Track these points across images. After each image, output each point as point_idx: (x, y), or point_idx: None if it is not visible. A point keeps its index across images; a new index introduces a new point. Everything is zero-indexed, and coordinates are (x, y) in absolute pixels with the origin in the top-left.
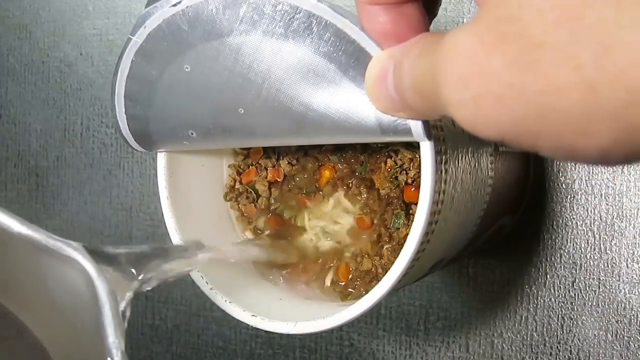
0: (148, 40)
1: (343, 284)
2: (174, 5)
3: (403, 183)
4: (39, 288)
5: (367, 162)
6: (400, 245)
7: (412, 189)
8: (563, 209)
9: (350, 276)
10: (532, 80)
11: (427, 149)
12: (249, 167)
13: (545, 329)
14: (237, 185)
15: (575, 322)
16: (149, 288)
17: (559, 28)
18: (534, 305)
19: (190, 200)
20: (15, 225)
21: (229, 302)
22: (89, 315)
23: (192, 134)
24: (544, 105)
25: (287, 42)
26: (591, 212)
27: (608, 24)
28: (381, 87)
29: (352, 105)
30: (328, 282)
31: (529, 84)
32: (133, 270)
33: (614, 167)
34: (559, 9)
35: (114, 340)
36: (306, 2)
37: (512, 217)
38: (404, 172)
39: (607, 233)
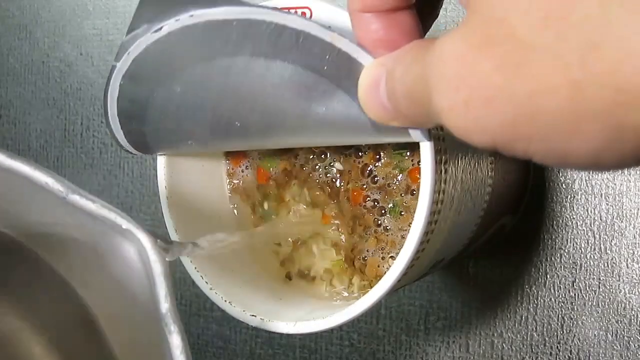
0: (133, 64)
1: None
2: (156, 31)
3: (409, 166)
4: (90, 254)
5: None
6: (400, 244)
7: (418, 176)
8: (563, 209)
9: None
10: (520, 82)
11: (427, 149)
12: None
13: (545, 329)
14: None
15: (575, 322)
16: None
17: (545, 28)
18: (534, 305)
19: (190, 200)
20: (67, 192)
21: (229, 302)
22: (141, 284)
23: (191, 143)
24: (534, 107)
25: (276, 61)
26: (591, 212)
27: (593, 21)
28: (373, 96)
29: (348, 113)
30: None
31: (517, 86)
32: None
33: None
34: (544, 9)
35: (168, 311)
36: (292, 21)
37: (513, 217)
38: (410, 159)
39: (607, 233)
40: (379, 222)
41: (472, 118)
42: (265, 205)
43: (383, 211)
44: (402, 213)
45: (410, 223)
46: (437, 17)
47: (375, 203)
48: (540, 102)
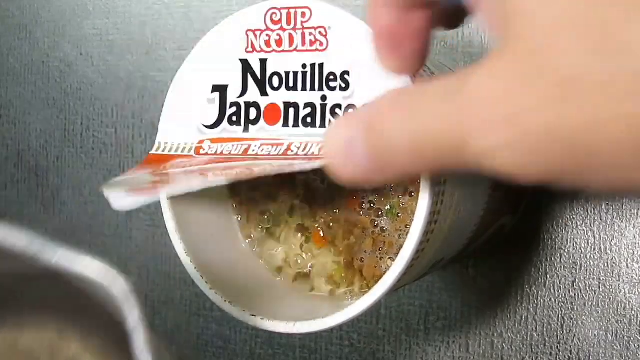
0: None
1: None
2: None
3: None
4: None
5: None
6: (397, 245)
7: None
8: (563, 209)
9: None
10: (567, 117)
11: None
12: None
13: (545, 329)
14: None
15: (575, 322)
16: None
17: (590, 57)
18: (534, 305)
19: (190, 201)
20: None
21: (229, 302)
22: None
23: None
24: (584, 142)
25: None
26: (591, 212)
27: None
28: (345, 160)
29: None
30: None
31: (564, 122)
32: None
33: None
34: (588, 37)
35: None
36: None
37: (512, 217)
38: None
39: (607, 233)
40: (376, 223)
41: (518, 158)
42: (264, 216)
43: (380, 212)
44: (399, 215)
45: (407, 224)
46: (460, 25)
47: (372, 205)
48: (591, 136)
